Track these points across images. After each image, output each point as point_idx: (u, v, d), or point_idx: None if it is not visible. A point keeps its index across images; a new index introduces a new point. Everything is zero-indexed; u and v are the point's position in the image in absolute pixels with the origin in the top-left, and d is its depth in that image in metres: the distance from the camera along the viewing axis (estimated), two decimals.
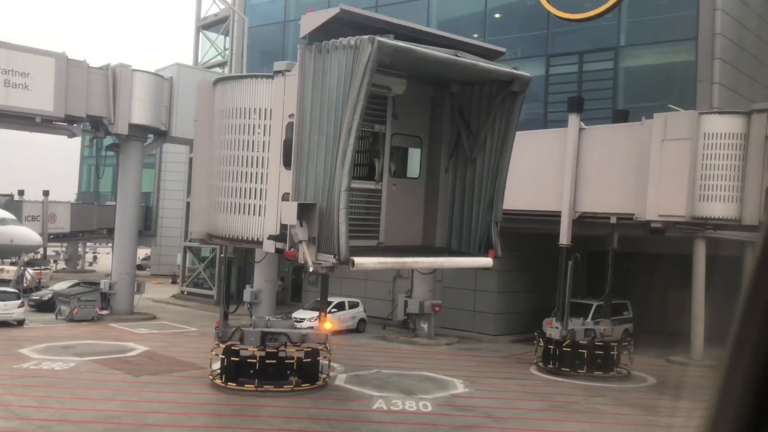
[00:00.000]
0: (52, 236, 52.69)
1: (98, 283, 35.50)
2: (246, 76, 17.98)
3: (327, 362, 21.31)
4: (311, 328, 30.57)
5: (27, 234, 43.35)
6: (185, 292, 46.08)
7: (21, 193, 52.82)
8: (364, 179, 15.16)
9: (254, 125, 16.53)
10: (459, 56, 13.42)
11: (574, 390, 22.44)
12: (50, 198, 51.84)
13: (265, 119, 16.30)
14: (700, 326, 26.75)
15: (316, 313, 30.67)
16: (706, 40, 29.10)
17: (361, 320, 33.58)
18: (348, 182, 12.34)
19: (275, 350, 20.34)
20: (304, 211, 12.97)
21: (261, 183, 16.23)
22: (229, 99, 17.40)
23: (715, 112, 25.63)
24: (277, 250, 14.93)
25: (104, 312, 34.03)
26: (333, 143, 12.63)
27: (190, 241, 43.92)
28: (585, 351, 24.55)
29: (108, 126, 33.44)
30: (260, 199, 16.19)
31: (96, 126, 34.12)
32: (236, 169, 16.78)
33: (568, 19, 31.93)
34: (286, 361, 20.45)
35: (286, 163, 14.32)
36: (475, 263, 15.28)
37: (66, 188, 70.21)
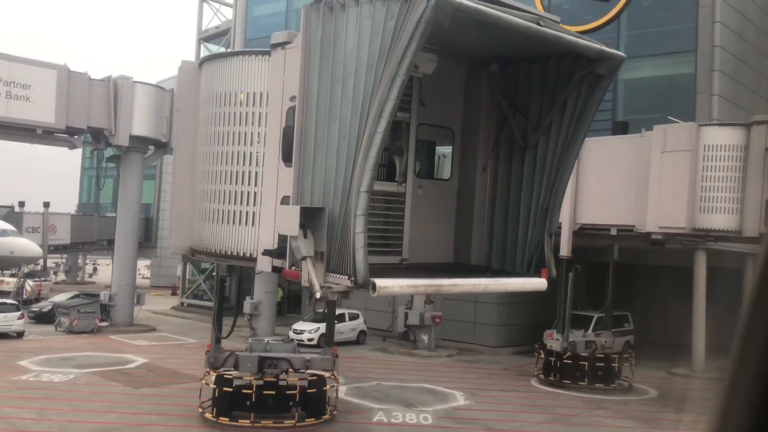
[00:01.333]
0: (52, 248, 52.61)
1: (98, 295, 35.47)
2: (237, 53, 15.13)
3: (335, 392, 18.86)
4: (311, 339, 30.58)
5: (27, 245, 43.31)
6: (185, 304, 46.00)
7: (21, 204, 52.79)
8: (382, 180, 11.92)
9: (247, 113, 14.00)
10: (542, 25, 10.37)
11: (575, 402, 22.35)
12: (50, 209, 51.81)
13: (260, 106, 13.73)
14: (701, 338, 26.68)
15: (316, 325, 30.60)
16: (706, 53, 29.21)
17: (361, 332, 33.49)
18: (371, 181, 9.32)
19: (275, 379, 17.89)
20: (309, 218, 10.00)
21: (255, 185, 13.72)
22: (216, 82, 14.73)
23: (714, 124, 25.71)
24: (275, 269, 11.75)
25: (104, 324, 33.95)
26: (350, 129, 9.73)
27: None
28: (586, 363, 24.48)
29: (109, 138, 33.54)
30: (253, 204, 13.65)
31: (97, 138, 34.21)
32: (224, 169, 14.21)
33: None
34: (288, 391, 17.88)
35: (286, 158, 11.24)
36: (526, 285, 12.18)
37: (66, 200, 70.22)
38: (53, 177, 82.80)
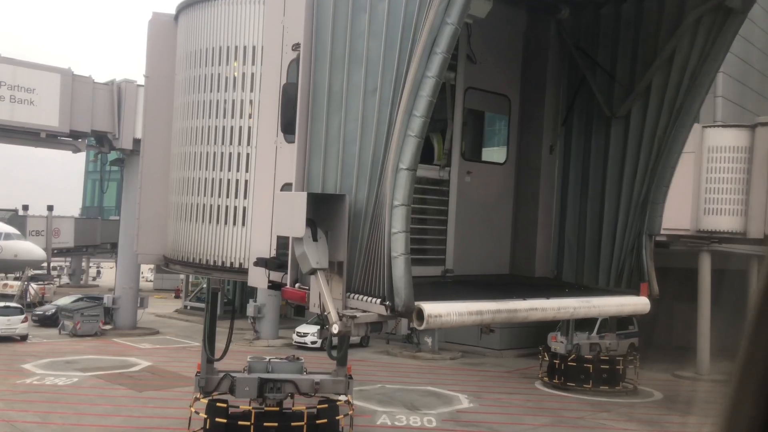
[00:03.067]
0: (56, 251, 52.76)
1: (101, 298, 35.57)
2: None
3: (350, 421, 15.94)
4: (315, 343, 30.52)
5: (31, 249, 43.40)
6: (188, 307, 46.04)
7: (25, 208, 52.95)
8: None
9: (236, 76, 11.25)
10: None
11: (580, 405, 22.30)
12: (54, 213, 51.97)
13: (253, 65, 10.95)
14: (707, 340, 26.61)
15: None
16: None
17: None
18: (416, 151, 6.26)
19: (276, 408, 15.35)
20: (322, 211, 6.89)
21: (246, 170, 10.94)
22: (196, 36, 11.78)
23: (719, 126, 25.67)
24: (272, 285, 8.15)
25: (107, 327, 34.05)
26: (383, 77, 6.67)
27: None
28: (590, 365, 24.43)
29: (112, 141, 33.65)
30: (244, 196, 10.95)
31: (101, 141, 34.34)
32: (206, 149, 11.37)
33: None
34: (293, 422, 15.11)
35: (287, 128, 7.88)
36: (624, 308, 9.03)
37: (70, 203, 70.44)
38: (57, 181, 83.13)
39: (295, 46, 7.79)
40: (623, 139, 8.87)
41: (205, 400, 15.25)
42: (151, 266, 67.79)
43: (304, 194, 6.86)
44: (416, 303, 6.19)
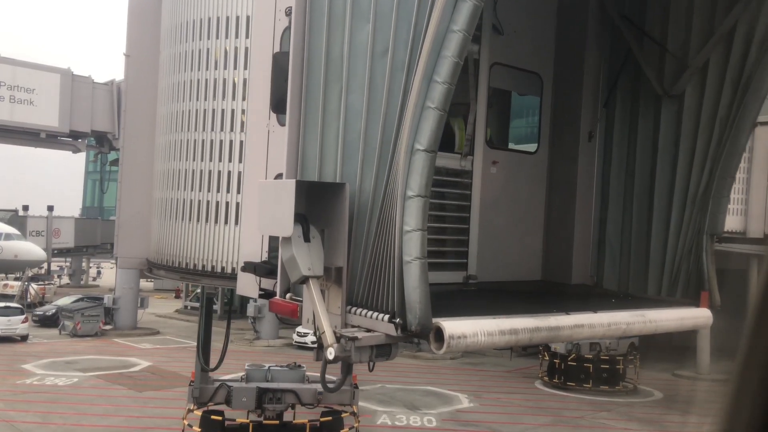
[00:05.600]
0: (56, 251, 52.76)
1: (102, 298, 35.59)
2: None
3: None
4: (315, 343, 30.29)
5: (31, 249, 43.41)
6: (188, 307, 46.05)
7: (25, 208, 52.96)
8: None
9: (224, 50, 9.77)
10: None
11: (580, 404, 22.32)
12: (54, 213, 51.97)
13: (245, 37, 9.34)
14: (707, 340, 26.63)
15: None
16: None
17: None
18: (437, 128, 4.96)
19: (276, 420, 14.23)
20: (316, 203, 5.52)
21: (239, 160, 9.53)
22: (183, 8, 10.34)
23: None
24: (264, 294, 6.56)
25: (108, 327, 34.08)
26: (396, 35, 5.28)
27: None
28: (590, 365, 24.46)
29: (112, 141, 33.68)
30: (236, 190, 9.67)
31: (100, 141, 34.40)
32: (192, 137, 10.02)
33: None
34: None
35: (278, 107, 6.43)
36: (684, 322, 7.38)
37: (70, 203, 70.49)
38: (57, 181, 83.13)
39: (288, 10, 6.38)
40: (677, 122, 7.54)
41: (199, 412, 14.16)
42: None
43: (292, 182, 5.38)
44: (434, 320, 4.95)
